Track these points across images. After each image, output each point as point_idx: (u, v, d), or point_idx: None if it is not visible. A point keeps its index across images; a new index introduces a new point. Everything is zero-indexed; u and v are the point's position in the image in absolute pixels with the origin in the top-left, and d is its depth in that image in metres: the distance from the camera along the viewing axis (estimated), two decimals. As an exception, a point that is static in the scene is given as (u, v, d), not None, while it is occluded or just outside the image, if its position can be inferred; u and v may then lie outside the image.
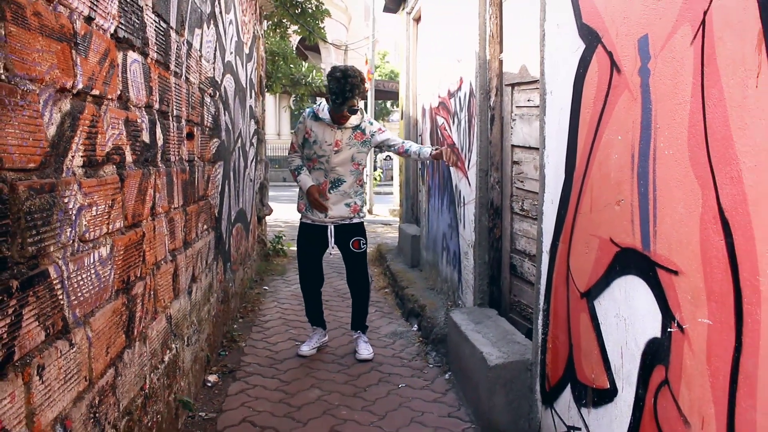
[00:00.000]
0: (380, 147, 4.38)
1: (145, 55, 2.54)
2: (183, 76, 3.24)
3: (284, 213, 13.32)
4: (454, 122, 4.82)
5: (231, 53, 5.04)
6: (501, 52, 3.87)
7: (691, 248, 1.66)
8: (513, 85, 3.69)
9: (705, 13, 1.57)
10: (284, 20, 11.83)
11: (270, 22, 11.95)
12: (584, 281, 2.35)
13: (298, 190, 4.35)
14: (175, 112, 3.07)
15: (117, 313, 2.17)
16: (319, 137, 4.14)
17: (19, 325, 1.45)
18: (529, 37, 3.17)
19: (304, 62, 15.74)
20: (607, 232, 2.15)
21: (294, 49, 15.18)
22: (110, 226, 2.11)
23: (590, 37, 2.26)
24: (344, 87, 3.90)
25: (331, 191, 4.17)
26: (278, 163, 29.19)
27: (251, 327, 4.98)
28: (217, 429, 3.18)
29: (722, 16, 1.51)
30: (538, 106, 2.97)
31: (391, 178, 19.11)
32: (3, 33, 1.38)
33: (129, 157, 2.34)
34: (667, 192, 1.78)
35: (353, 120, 4.15)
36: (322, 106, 4.19)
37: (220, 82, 4.48)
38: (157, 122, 2.73)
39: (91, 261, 1.93)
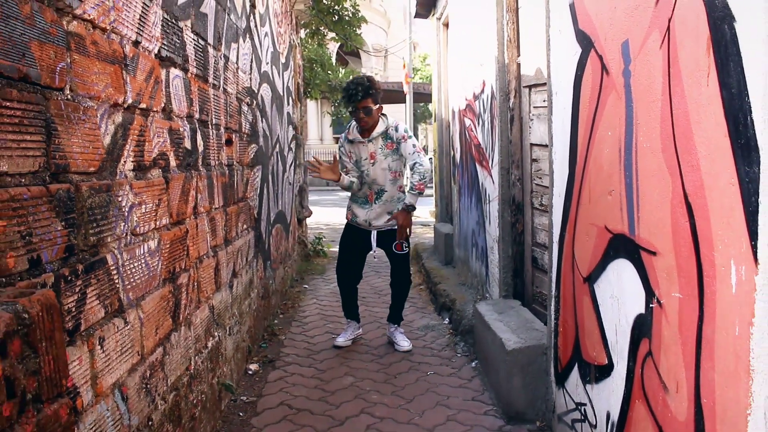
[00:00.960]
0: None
1: (185, 70, 2.83)
2: (221, 88, 3.54)
3: (326, 216, 13.67)
4: (479, 123, 5.04)
5: (267, 63, 5.35)
6: (518, 55, 4.07)
7: (665, 231, 1.86)
8: (530, 87, 3.89)
9: (669, 20, 1.78)
10: (321, 28, 12.17)
11: (307, 30, 12.30)
12: (586, 267, 2.56)
13: (349, 199, 4.69)
14: (214, 120, 3.36)
15: (164, 299, 2.46)
16: (357, 155, 4.46)
17: (84, 301, 1.73)
18: (542, 41, 3.37)
19: (341, 68, 16.09)
20: (603, 221, 2.35)
21: (332, 55, 15.52)
22: (157, 223, 2.40)
23: (585, 42, 2.47)
24: (351, 92, 4.24)
25: (377, 201, 4.48)
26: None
27: (291, 322, 5.27)
28: (257, 411, 3.46)
29: (681, 22, 1.71)
30: (548, 107, 3.17)
31: (432, 182, 19.31)
32: (69, 61, 1.67)
33: (173, 162, 2.63)
34: (646, 181, 1.98)
35: (379, 128, 4.39)
36: (351, 127, 4.49)
37: (256, 91, 4.78)
38: (198, 130, 3.03)
39: (142, 252, 2.22)
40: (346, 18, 12.05)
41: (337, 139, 27.20)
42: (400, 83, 19.13)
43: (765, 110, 1.38)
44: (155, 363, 2.33)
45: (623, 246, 2.18)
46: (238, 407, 3.51)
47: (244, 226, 4.14)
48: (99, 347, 1.82)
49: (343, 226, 4.74)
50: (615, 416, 2.27)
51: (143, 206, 2.25)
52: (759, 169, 1.40)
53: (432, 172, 4.34)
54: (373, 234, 4.54)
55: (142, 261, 2.23)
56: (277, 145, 5.88)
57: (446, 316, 5.25)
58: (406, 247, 4.51)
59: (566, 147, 2.76)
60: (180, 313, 2.67)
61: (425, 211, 14.59)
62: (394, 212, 4.45)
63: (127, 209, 2.09)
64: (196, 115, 3.01)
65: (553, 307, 3.04)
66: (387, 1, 34.43)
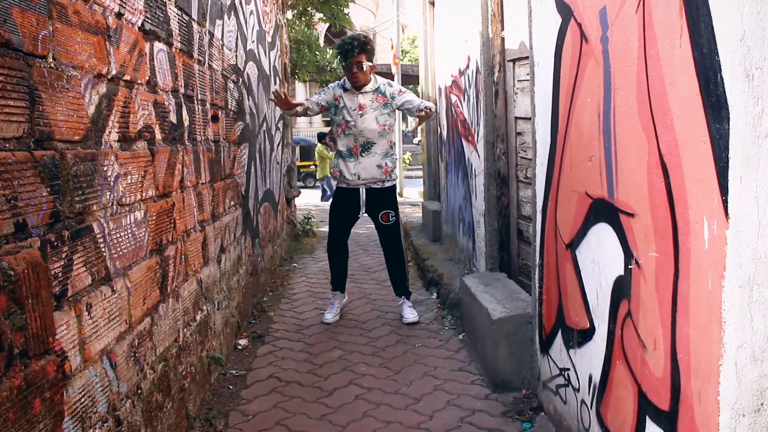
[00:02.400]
0: (402, 111, 4.57)
1: (169, 44, 2.84)
2: (206, 64, 3.54)
3: (315, 198, 13.69)
4: (464, 99, 5.06)
5: (253, 42, 5.34)
6: (502, 29, 4.09)
7: (642, 192, 1.90)
8: (514, 61, 3.92)
9: (645, -16, 1.80)
10: (309, 9, 12.14)
11: (295, 11, 12.26)
12: (568, 233, 2.60)
13: (334, 158, 4.65)
14: (199, 96, 3.37)
15: (151, 270, 2.48)
16: (347, 104, 4.45)
17: (71, 268, 1.76)
18: (525, 14, 3.39)
19: (329, 49, 16.01)
20: (583, 186, 2.39)
21: (319, 36, 15.45)
22: (143, 194, 2.42)
23: (565, 11, 2.49)
24: (347, 46, 4.32)
25: (363, 154, 4.45)
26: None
27: (280, 299, 5.31)
28: (247, 383, 3.50)
29: (656, -14, 1.74)
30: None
31: (421, 163, 19.31)
32: (51, 29, 1.68)
33: (158, 135, 2.64)
34: (623, 145, 2.02)
35: (371, 84, 4.46)
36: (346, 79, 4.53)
37: (242, 69, 4.78)
38: (183, 105, 3.04)
39: (128, 222, 2.24)
40: (333, -2, 12.02)
41: (327, 122, 27.11)
42: (389, 65, 19.06)
43: (733, 67, 1.41)
44: (143, 332, 2.36)
45: (603, 210, 2.22)
46: (227, 380, 3.55)
47: (232, 203, 4.16)
48: (86, 313, 1.85)
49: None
50: (597, 378, 2.33)
51: (129, 177, 2.26)
52: (728, 125, 1.43)
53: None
54: (362, 192, 4.50)
55: (129, 231, 2.25)
56: (264, 124, 5.88)
57: (434, 291, 5.30)
58: (392, 217, 4.53)
59: (548, 116, 2.79)
60: (167, 285, 2.70)
61: (414, 192, 14.63)
62: (384, 165, 4.46)
63: (112, 179, 2.11)
64: (182, 90, 3.02)
65: (537, 276, 3.09)
66: (375, -18, 34.21)
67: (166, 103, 2.77)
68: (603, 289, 2.26)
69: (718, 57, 1.47)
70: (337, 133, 4.57)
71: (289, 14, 12.04)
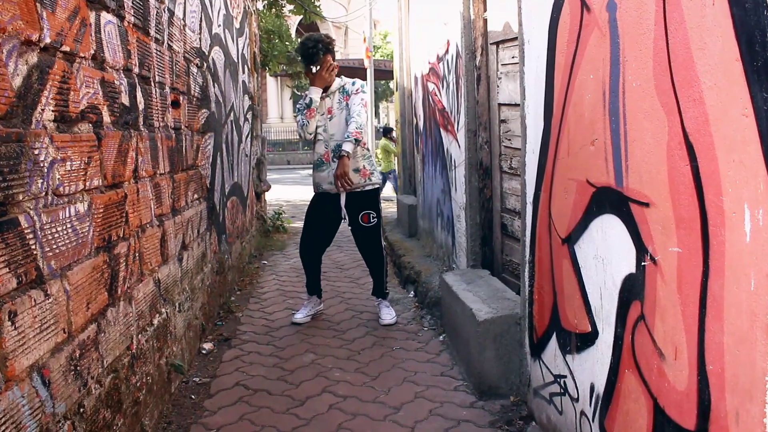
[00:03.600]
0: None
1: (120, 17, 2.53)
2: (165, 43, 3.23)
3: (286, 193, 13.37)
4: (443, 86, 4.80)
5: (219, 26, 5.03)
6: (485, 11, 3.84)
7: (660, 178, 1.65)
8: (497, 44, 3.66)
9: (666, -64, 1.55)
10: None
11: (266, 2, 11.90)
12: (564, 226, 2.35)
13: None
14: (157, 78, 3.07)
15: (98, 270, 2.18)
16: (318, 110, 4.18)
17: (-13, 268, 1.46)
18: (511, -8, 3.14)
19: (299, 39, 15.69)
20: (584, 174, 2.14)
21: (289, 27, 15.09)
22: (87, 183, 2.11)
23: (563, -21, 2.24)
24: (311, 49, 4.10)
25: (334, 160, 4.12)
26: (282, 146, 29.16)
27: (248, 299, 5.01)
28: (210, 393, 3.20)
29: (682, -63, 1.49)
30: (519, 59, 2.94)
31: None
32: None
33: (107, 118, 2.34)
34: (636, 124, 1.77)
35: (336, 84, 4.21)
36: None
37: (207, 53, 4.47)
38: (138, 86, 2.73)
39: (67, 215, 1.94)
40: (304, -12, 11.66)
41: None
42: (361, 60, 18.78)
43: (792, 21, 1.16)
44: (87, 342, 2.06)
45: (609, 200, 1.97)
46: (190, 389, 3.25)
47: (195, 196, 3.85)
48: (9, 323, 1.55)
49: (307, 203, 4.45)
50: (600, 388, 2.08)
51: (68, 163, 1.96)
52: (782, 92, 1.19)
53: (367, 123, 4.04)
54: (342, 198, 4.21)
55: (68, 225, 1.95)
56: (232, 113, 5.56)
57: (411, 288, 5.04)
58: (373, 218, 4.26)
59: (540, 99, 2.54)
60: (118, 287, 2.40)
61: (389, 187, 14.39)
62: (361, 167, 4.19)
63: (46, 165, 1.81)
64: (135, 69, 2.72)
65: (527, 274, 2.84)
66: (346, -24, 33.82)
67: (117, 82, 2.46)
68: (608, 289, 2.01)
69: (766, 12, 1.22)
70: (313, 142, 4.29)
71: (260, 5, 11.68)
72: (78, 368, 1.97)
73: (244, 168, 6.30)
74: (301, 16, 12.24)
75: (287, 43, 13.62)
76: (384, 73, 21.93)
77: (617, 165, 1.90)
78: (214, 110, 4.61)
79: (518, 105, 3.24)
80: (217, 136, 4.70)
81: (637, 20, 1.72)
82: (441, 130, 4.99)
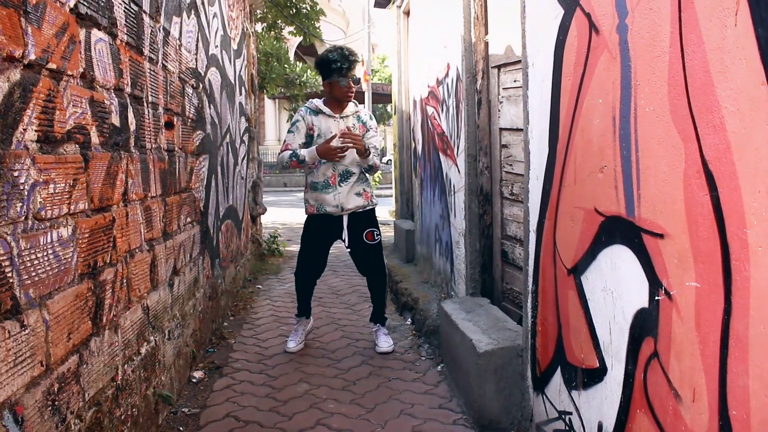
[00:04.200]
0: None
1: (112, 35, 2.45)
2: (159, 63, 3.15)
3: (282, 216, 13.26)
4: (442, 110, 4.73)
5: (216, 47, 4.96)
6: (486, 34, 3.78)
7: (675, 208, 1.56)
8: (499, 67, 3.60)
9: (682, -45, 1.48)
10: (279, 21, 11.78)
11: (264, 24, 11.90)
12: (570, 257, 2.25)
13: (303, 194, 4.22)
14: (150, 98, 2.98)
15: (81, 298, 2.07)
16: (323, 130, 4.04)
17: (-45, 299, 1.36)
18: (513, 16, 3.07)
19: (299, 63, 15.68)
20: (592, 202, 2.05)
21: (288, 50, 15.10)
22: (72, 207, 2.02)
23: (569, 1, 2.16)
24: (349, 58, 3.97)
25: (342, 184, 4.04)
26: (279, 168, 29.08)
27: (242, 324, 4.88)
28: (200, 424, 3.08)
29: (700, -45, 1.41)
30: (522, 83, 2.87)
31: (391, 182, 19.05)
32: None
33: (95, 138, 2.25)
34: (649, 151, 1.68)
35: (350, 107, 4.12)
36: (316, 101, 4.15)
37: (203, 74, 4.40)
38: (129, 106, 2.65)
39: (48, 240, 1.84)
40: (304, 11, 11.67)
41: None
42: (359, 81, 18.79)
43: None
44: (67, 375, 1.95)
45: (619, 230, 1.88)
46: (178, 420, 3.12)
47: (188, 220, 3.75)
48: (-21, 357, 1.44)
49: (303, 224, 4.33)
50: (609, 427, 1.97)
51: (51, 185, 1.87)
52: (816, 119, 1.10)
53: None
54: (345, 219, 4.11)
55: (49, 251, 1.85)
56: (228, 136, 5.48)
57: (408, 316, 4.92)
58: (377, 235, 4.17)
59: (545, 124, 2.46)
60: (103, 315, 2.29)
61: (384, 211, 14.31)
62: (363, 191, 4.11)
63: (27, 187, 1.72)
64: (127, 89, 2.63)
65: (530, 304, 2.74)
66: (345, 1, 34.02)
67: (107, 101, 2.37)
68: (618, 323, 1.91)
69: (797, 32, 1.14)
70: (313, 164, 4.04)
71: (259, 27, 11.68)
72: (56, 403, 1.86)
73: (239, 191, 6.21)
74: (300, 39, 12.25)
75: (285, 65, 13.60)
76: (382, 97, 21.97)
77: (628, 193, 1.81)
78: (209, 132, 4.52)
79: (520, 130, 3.17)
80: (212, 158, 4.61)
81: (651, 42, 1.64)
82: (440, 154, 4.91)
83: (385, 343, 4.18)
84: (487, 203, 3.87)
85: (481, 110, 3.82)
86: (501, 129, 3.63)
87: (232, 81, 5.89)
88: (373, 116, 4.19)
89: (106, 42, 2.38)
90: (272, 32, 12.19)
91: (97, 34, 2.28)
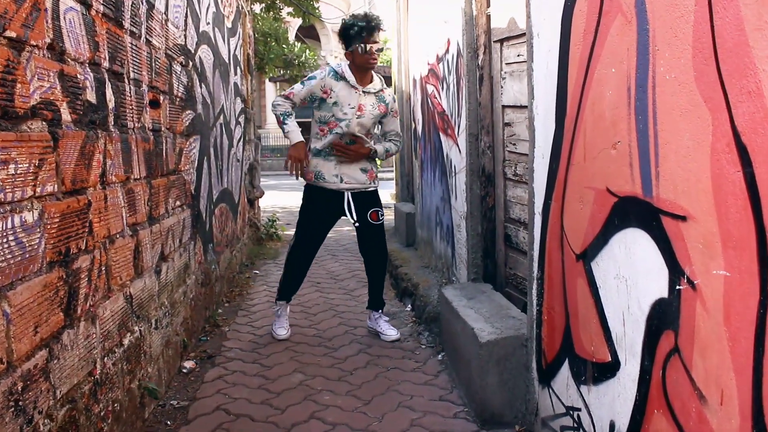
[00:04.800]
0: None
1: (86, 5, 2.28)
2: (142, 37, 2.98)
3: (282, 200, 13.10)
4: (443, 88, 4.55)
5: (208, 24, 4.77)
6: (488, 6, 3.58)
7: (701, 187, 1.39)
8: (502, 41, 3.41)
9: None
10: (277, 1, 11.53)
11: (263, 5, 11.66)
12: (579, 241, 2.09)
13: (312, 157, 4.00)
14: (132, 74, 2.81)
15: (50, 288, 1.92)
16: (341, 99, 3.83)
17: None
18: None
19: (297, 43, 15.43)
20: (604, 182, 1.88)
21: (287, 30, 14.86)
22: (38, 189, 1.86)
23: (579, -38, 1.98)
24: (373, 21, 3.78)
25: None
26: (280, 151, 28.90)
27: (237, 311, 4.74)
28: (188, 418, 2.93)
29: None
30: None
31: (392, 165, 18.86)
32: None
33: (66, 116, 2.08)
34: (670, 124, 1.51)
35: (376, 83, 3.94)
36: (344, 65, 3.93)
37: (193, 52, 4.21)
38: (107, 82, 2.48)
39: (9, 226, 1.68)
40: (303, -10, 11.42)
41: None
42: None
43: None
44: (33, 372, 1.79)
45: (635, 211, 1.71)
46: (166, 413, 2.98)
47: (177, 203, 3.58)
48: None
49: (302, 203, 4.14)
50: (623, 427, 1.81)
51: (11, 166, 1.70)
52: None
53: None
54: (347, 197, 3.92)
55: (11, 238, 1.69)
56: (222, 116, 5.30)
57: (408, 302, 4.77)
58: (381, 215, 4.01)
59: (552, 98, 2.28)
60: (78, 305, 2.13)
61: (386, 194, 14.15)
62: (369, 169, 3.95)
63: (-19, 168, 1.55)
64: (105, 64, 2.46)
65: (535, 292, 2.58)
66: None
67: (80, 76, 2.20)
68: (633, 314, 1.75)
69: None
70: (322, 132, 3.89)
71: (257, 9, 11.45)
72: (20, 403, 1.70)
73: (235, 173, 6.04)
74: (301, 21, 12.02)
75: (284, 46, 13.36)
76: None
77: (645, 171, 1.64)
78: (200, 112, 4.35)
79: (524, 107, 2.99)
80: (204, 140, 4.44)
81: (672, 1, 1.46)
82: (440, 134, 4.73)
83: (390, 330, 4.03)
84: (490, 185, 3.70)
85: (483, 87, 3.63)
86: (504, 106, 3.45)
87: (227, 60, 5.70)
88: (396, 99, 3.98)
89: (78, 11, 2.21)
90: (271, 12, 11.94)
91: (66, 2, 2.10)
